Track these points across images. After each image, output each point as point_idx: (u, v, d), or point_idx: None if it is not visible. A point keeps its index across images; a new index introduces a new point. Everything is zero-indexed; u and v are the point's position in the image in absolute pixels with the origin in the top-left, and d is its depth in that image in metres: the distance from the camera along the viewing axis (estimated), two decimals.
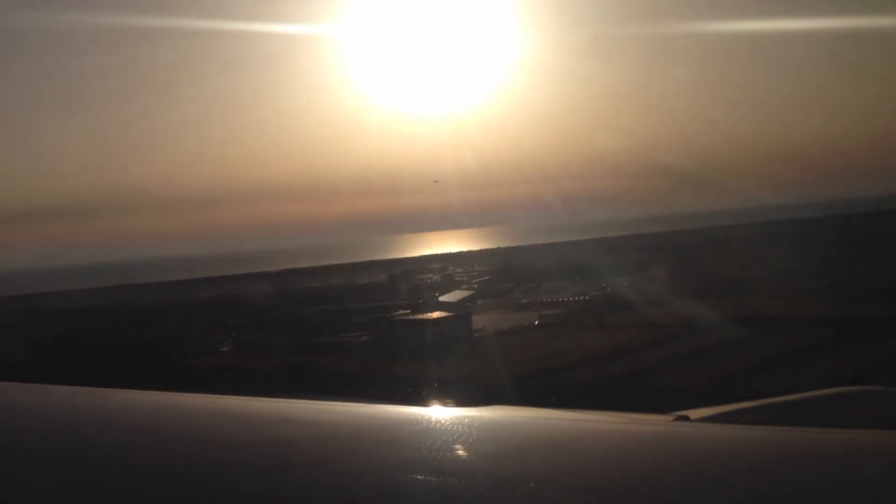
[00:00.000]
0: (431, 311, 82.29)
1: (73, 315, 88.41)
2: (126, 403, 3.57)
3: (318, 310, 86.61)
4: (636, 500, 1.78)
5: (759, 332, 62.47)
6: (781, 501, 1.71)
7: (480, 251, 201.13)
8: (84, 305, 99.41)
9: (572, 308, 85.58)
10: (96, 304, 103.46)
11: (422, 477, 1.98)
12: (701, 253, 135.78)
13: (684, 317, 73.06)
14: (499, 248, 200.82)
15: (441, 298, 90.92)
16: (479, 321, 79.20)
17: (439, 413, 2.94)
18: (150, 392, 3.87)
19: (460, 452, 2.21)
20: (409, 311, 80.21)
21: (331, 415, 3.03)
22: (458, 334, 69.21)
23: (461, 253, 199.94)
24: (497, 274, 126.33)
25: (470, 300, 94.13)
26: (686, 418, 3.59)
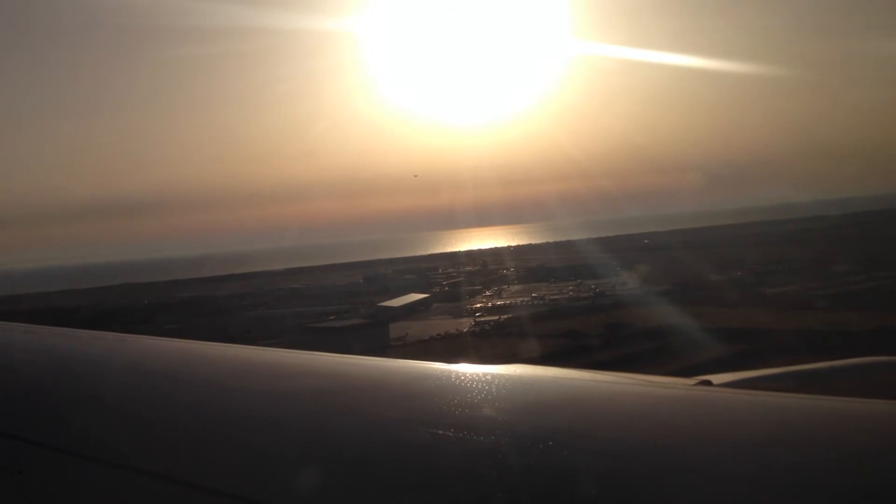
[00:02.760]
0: (365, 317, 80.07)
1: (20, 317, 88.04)
2: (157, 350, 3.59)
3: (254, 315, 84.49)
4: (655, 461, 1.79)
5: (678, 346, 57.87)
6: (801, 468, 1.71)
7: (492, 249, 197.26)
8: (41, 306, 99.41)
9: (516, 314, 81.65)
10: (59, 305, 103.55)
11: (441, 431, 2.01)
12: (706, 252, 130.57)
13: (616, 325, 69.15)
14: (509, 247, 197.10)
15: (383, 304, 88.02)
16: (410, 327, 76.63)
17: (461, 369, 2.80)
18: (180, 340, 3.88)
19: (480, 408, 2.23)
20: (333, 317, 77.65)
21: (357, 368, 2.99)
22: (369, 343, 66.27)
23: (471, 251, 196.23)
24: (475, 275, 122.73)
25: (421, 304, 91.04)
26: (709, 383, 3.42)
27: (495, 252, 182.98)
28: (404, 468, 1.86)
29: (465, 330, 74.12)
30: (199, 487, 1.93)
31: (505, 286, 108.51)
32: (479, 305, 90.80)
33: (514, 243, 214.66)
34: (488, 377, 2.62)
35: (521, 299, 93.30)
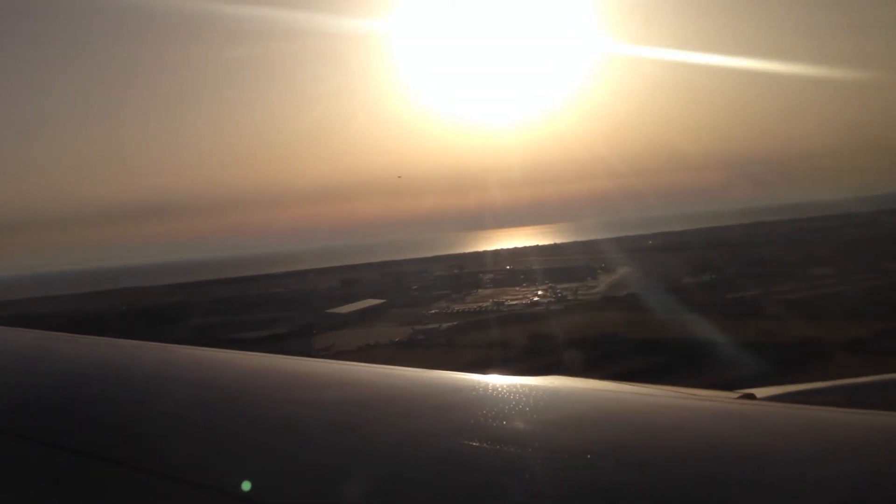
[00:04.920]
0: (301, 325, 78.28)
1: None
2: (180, 359, 3.54)
3: (196, 324, 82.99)
4: (697, 477, 1.74)
5: (589, 359, 54.50)
6: (849, 485, 1.66)
7: (499, 251, 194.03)
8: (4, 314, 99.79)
9: (462, 321, 79.04)
10: (29, 311, 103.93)
11: (477, 443, 1.97)
12: (701, 252, 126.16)
13: (542, 336, 65.94)
14: (516, 249, 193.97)
15: (332, 310, 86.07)
16: (346, 335, 74.76)
17: (497, 381, 2.71)
18: (203, 349, 3.81)
19: (517, 421, 2.19)
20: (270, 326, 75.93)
21: (387, 378, 2.97)
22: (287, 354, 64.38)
23: (477, 253, 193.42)
24: (453, 278, 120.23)
25: (374, 310, 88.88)
26: (752, 396, 3.29)
27: (499, 253, 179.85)
28: (439, 482, 1.82)
29: (398, 339, 71.77)
30: (221, 493, 1.93)
31: (476, 290, 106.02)
32: (434, 312, 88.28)
33: (523, 244, 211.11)
34: (526, 389, 2.56)
35: (480, 305, 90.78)
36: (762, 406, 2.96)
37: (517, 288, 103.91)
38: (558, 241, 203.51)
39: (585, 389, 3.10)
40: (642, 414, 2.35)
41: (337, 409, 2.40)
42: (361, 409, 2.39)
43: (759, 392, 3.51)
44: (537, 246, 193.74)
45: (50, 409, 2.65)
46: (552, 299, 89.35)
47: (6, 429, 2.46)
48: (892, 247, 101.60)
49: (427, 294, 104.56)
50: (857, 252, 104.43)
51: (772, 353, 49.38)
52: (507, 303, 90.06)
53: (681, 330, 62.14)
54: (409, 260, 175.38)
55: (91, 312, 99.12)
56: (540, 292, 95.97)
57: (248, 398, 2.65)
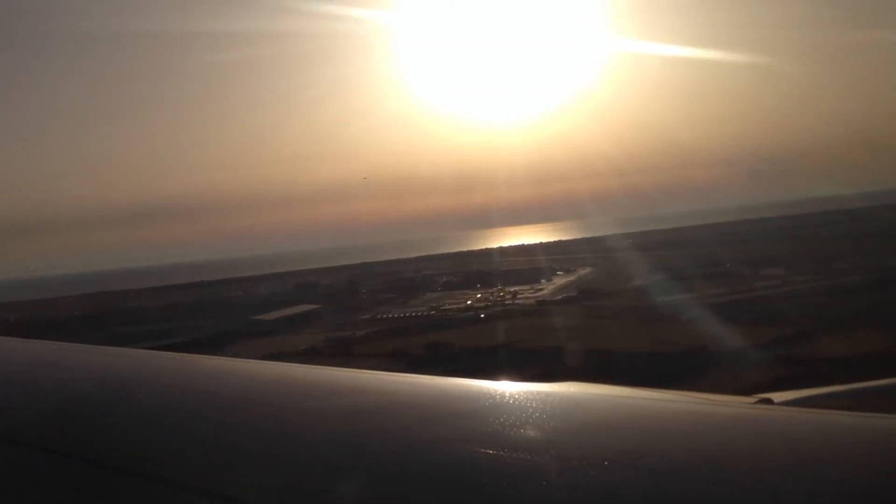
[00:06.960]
0: (228, 332, 76.58)
1: None
2: (188, 367, 3.52)
3: (115, 332, 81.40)
4: (717, 483, 1.71)
5: (470, 370, 52.20)
6: (869, 489, 1.63)
7: (479, 251, 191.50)
8: None
9: (382, 328, 76.97)
10: None
11: (495, 451, 1.94)
12: (671, 252, 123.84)
13: (437, 345, 63.75)
14: (501, 248, 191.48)
15: (259, 317, 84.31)
16: (258, 344, 72.83)
17: (514, 388, 2.68)
18: (213, 357, 3.78)
19: (535, 428, 2.15)
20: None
21: (403, 385, 2.96)
22: None
23: (457, 253, 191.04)
24: (409, 281, 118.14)
25: (304, 317, 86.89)
26: (769, 401, 3.26)
27: (478, 254, 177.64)
28: (457, 490, 1.78)
29: (304, 348, 69.77)
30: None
31: (424, 294, 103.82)
32: (365, 318, 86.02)
33: (509, 244, 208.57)
34: (542, 395, 2.51)
35: (416, 310, 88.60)
36: (780, 411, 2.88)
37: (465, 291, 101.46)
38: (544, 240, 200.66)
39: (602, 395, 3.00)
40: (660, 420, 2.30)
41: (353, 418, 2.33)
42: (378, 418, 2.33)
43: (776, 397, 3.42)
44: (522, 246, 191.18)
45: (58, 419, 2.60)
46: (489, 304, 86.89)
47: (16, 439, 2.45)
48: (865, 245, 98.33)
49: (372, 298, 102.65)
50: (821, 251, 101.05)
51: (648, 363, 47.05)
52: (442, 308, 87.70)
53: (581, 338, 59.38)
54: (384, 262, 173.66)
55: (32, 320, 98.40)
56: (483, 296, 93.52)
57: (256, 407, 2.59)
